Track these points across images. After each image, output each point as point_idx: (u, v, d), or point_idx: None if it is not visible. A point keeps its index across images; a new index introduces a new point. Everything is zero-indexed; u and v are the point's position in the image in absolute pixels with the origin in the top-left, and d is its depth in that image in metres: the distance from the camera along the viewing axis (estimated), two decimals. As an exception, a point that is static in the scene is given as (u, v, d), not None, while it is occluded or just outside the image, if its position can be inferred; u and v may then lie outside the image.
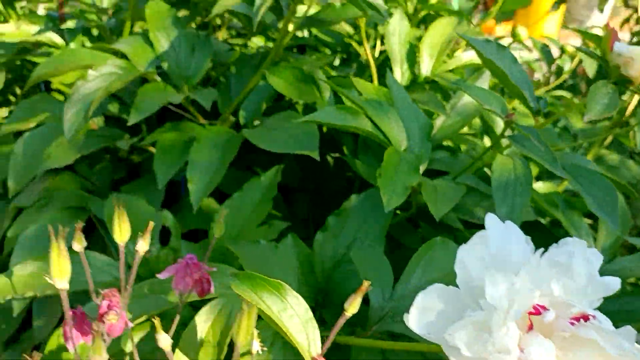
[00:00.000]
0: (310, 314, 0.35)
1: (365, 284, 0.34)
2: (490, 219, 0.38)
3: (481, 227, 0.69)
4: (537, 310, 0.32)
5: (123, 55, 0.73)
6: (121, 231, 0.37)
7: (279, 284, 0.35)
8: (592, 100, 0.46)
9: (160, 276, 0.42)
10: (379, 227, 0.59)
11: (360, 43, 0.92)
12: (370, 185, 0.76)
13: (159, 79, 0.73)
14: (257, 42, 1.15)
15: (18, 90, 1.01)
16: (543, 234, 0.64)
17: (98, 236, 0.79)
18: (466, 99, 0.70)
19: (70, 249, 0.65)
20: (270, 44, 1.15)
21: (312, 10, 0.72)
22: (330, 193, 0.86)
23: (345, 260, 0.59)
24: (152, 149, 0.82)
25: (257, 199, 0.63)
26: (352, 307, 0.36)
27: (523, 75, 0.55)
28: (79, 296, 0.62)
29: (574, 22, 3.47)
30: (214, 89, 0.74)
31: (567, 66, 0.97)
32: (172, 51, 0.74)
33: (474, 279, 0.35)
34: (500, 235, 0.37)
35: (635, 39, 1.74)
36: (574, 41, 2.70)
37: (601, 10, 1.58)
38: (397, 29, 0.78)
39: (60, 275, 0.32)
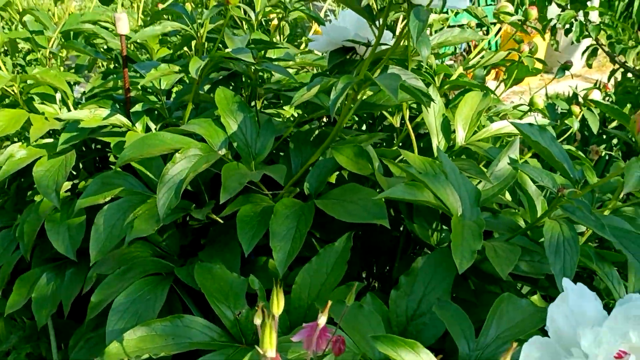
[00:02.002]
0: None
1: (514, 344, 0.41)
2: (566, 282, 0.48)
3: (523, 278, 0.79)
4: (620, 355, 0.41)
5: (197, 136, 0.83)
6: (278, 305, 0.45)
7: (414, 343, 0.44)
8: (628, 175, 0.57)
9: (294, 339, 0.50)
10: (444, 284, 0.68)
11: (392, 114, 1.03)
12: (419, 242, 0.86)
13: (231, 158, 0.82)
14: (288, 110, 1.26)
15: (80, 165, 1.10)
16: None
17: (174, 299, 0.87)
18: (502, 166, 0.81)
19: (170, 314, 0.74)
20: (296, 112, 1.26)
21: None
22: (378, 248, 0.95)
23: (418, 314, 0.68)
24: (214, 216, 0.91)
25: (332, 262, 0.72)
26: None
27: (562, 151, 0.66)
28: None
29: (552, 66, 3.66)
30: (280, 164, 0.84)
31: (576, 125, 1.09)
32: (241, 132, 0.84)
33: (562, 331, 0.45)
34: (575, 295, 0.47)
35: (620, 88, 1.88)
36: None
37: (589, 66, 1.72)
38: (433, 104, 0.89)
39: (270, 346, 0.40)
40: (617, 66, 1.68)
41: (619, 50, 1.61)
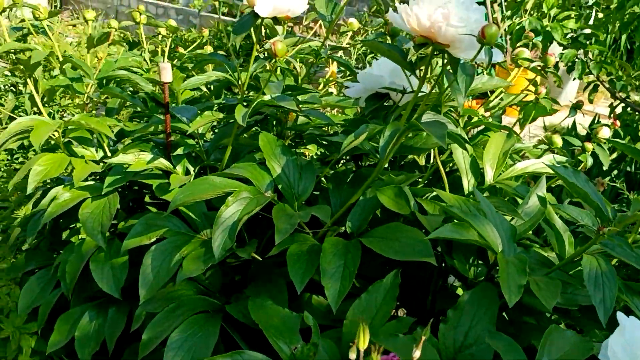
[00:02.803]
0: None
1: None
2: (620, 316, 0.53)
3: (559, 310, 0.83)
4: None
5: (242, 179, 0.88)
6: (364, 341, 0.50)
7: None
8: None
9: (371, 371, 0.54)
10: (489, 317, 0.73)
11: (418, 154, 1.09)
12: (455, 275, 0.91)
13: (277, 199, 0.87)
14: (312, 149, 1.31)
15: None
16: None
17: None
18: (532, 203, 0.86)
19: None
20: (318, 150, 1.32)
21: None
22: (414, 283, 1.00)
23: (465, 346, 0.72)
24: (255, 255, 0.95)
25: (381, 299, 0.77)
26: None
27: (596, 191, 0.71)
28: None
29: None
30: (322, 204, 0.89)
31: (590, 161, 1.16)
32: (284, 175, 0.89)
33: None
34: (630, 327, 0.52)
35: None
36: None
37: (590, 101, 1.79)
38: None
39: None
40: (617, 101, 1.76)
41: (619, 87, 1.70)
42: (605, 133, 1.19)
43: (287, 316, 0.79)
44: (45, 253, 1.24)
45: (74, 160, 1.08)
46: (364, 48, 3.02)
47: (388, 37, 0.89)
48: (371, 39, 0.88)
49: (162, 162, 1.00)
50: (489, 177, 0.95)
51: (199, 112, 1.05)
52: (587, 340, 0.64)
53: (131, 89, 1.34)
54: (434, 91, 0.85)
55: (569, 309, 0.82)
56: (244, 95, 0.95)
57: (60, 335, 1.07)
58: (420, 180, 1.11)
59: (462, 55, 0.73)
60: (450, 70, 0.73)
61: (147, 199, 1.18)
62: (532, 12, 1.69)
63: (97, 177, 1.15)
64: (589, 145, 1.16)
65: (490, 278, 0.86)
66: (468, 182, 0.95)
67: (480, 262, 0.87)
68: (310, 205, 0.93)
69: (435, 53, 0.75)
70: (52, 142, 1.16)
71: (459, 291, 1.09)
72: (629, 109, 1.76)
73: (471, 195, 0.92)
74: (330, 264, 0.79)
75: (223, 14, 5.99)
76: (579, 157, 1.18)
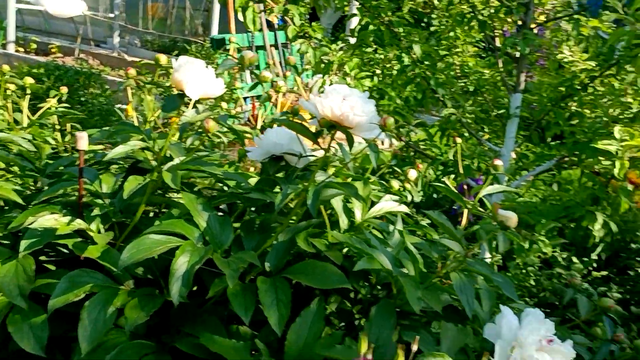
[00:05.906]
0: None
1: None
2: (502, 307, 0.84)
3: (424, 311, 1.12)
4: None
5: (176, 233, 1.03)
6: (364, 346, 0.72)
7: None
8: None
9: (353, 369, 0.77)
10: (391, 323, 1.00)
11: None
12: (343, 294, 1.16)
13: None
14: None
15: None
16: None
17: None
18: (395, 236, 1.16)
19: None
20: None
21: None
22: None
23: (377, 347, 0.98)
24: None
25: (310, 320, 0.99)
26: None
27: (454, 227, 1.03)
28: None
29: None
30: (244, 250, 1.08)
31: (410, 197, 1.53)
32: (209, 228, 1.06)
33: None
34: (505, 312, 0.83)
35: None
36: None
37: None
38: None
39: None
40: (400, 142, 2.22)
41: (405, 132, 2.16)
42: (412, 175, 1.56)
43: (237, 345, 0.96)
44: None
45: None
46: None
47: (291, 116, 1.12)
48: (280, 118, 1.11)
49: (80, 223, 1.09)
50: (358, 217, 1.23)
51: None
52: (464, 330, 0.95)
53: None
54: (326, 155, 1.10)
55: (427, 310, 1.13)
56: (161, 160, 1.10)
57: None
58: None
59: (360, 134, 1.00)
60: (346, 144, 1.00)
61: (42, 257, 1.23)
62: (336, 73, 2.05)
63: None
64: (408, 185, 1.52)
65: (375, 295, 1.14)
66: (343, 222, 1.22)
67: (366, 283, 1.15)
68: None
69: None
70: None
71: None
72: (409, 148, 2.23)
73: (350, 232, 1.19)
74: (267, 298, 0.99)
75: None
76: (401, 194, 1.53)
